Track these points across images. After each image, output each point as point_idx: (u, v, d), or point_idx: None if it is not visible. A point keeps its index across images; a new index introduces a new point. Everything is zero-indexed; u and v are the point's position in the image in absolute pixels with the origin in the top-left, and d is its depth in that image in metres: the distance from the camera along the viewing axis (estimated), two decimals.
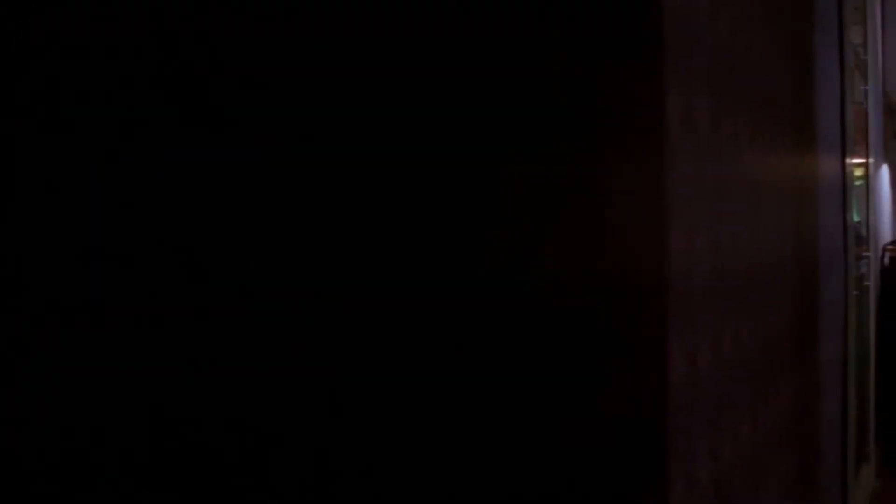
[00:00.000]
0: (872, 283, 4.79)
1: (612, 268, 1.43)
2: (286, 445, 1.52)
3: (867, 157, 4.61)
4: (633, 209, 1.43)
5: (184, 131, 1.56)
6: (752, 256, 2.02)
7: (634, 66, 1.44)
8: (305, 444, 1.52)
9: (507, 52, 1.45)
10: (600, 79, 1.43)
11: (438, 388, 1.47)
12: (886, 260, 5.44)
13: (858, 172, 4.49)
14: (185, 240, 1.56)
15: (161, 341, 1.57)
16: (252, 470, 1.54)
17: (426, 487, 1.48)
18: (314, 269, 1.52)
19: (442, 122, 1.47)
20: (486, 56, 1.45)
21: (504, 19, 1.45)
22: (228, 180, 1.55)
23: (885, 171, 5.61)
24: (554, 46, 1.43)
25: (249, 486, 1.54)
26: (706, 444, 1.67)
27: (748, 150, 1.98)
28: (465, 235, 1.46)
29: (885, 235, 5.69)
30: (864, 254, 4.57)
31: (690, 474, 1.58)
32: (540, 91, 1.44)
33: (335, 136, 1.51)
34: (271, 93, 1.54)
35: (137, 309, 1.59)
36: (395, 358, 1.48)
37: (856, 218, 4.50)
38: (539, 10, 1.43)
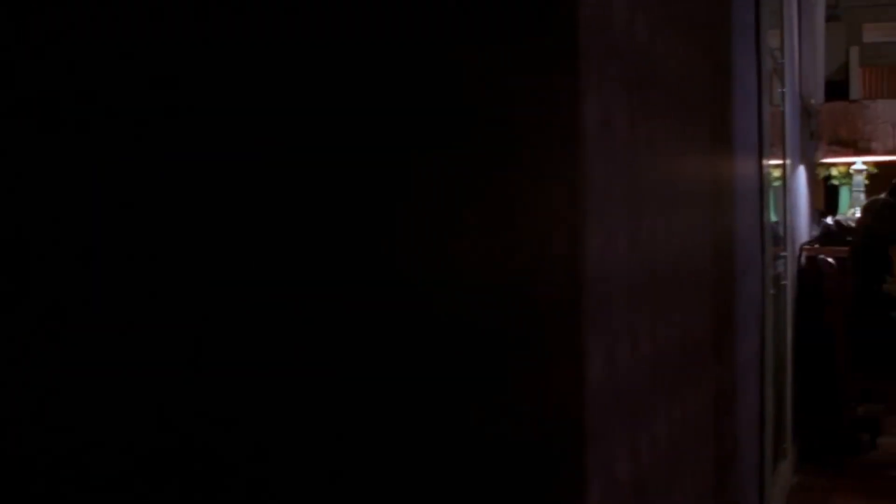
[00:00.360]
0: (789, 282, 4.88)
1: (528, 268, 1.44)
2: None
3: (784, 158, 4.69)
4: (550, 210, 1.45)
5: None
6: (670, 256, 2.06)
7: (552, 71, 1.46)
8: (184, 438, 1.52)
9: (421, 54, 1.46)
10: (517, 83, 1.45)
11: (344, 388, 1.48)
12: (803, 259, 5.55)
13: (776, 173, 4.57)
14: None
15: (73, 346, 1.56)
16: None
17: (334, 488, 1.48)
18: (238, 268, 1.52)
19: (354, 122, 1.47)
20: (401, 57, 1.46)
21: (421, 23, 1.46)
22: (115, 179, 1.55)
23: (801, 172, 5.72)
24: (470, 50, 1.45)
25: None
26: (624, 441, 1.70)
27: (665, 151, 2.02)
28: (374, 235, 1.47)
29: (803, 235, 5.80)
30: (782, 253, 4.66)
31: (608, 472, 1.60)
32: (455, 93, 1.45)
33: (238, 135, 1.51)
34: (178, 93, 1.54)
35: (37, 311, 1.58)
36: (298, 357, 1.49)
37: (773, 218, 4.58)
38: (457, 16, 1.45)
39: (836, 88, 8.01)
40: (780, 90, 4.75)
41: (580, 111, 1.47)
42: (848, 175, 6.28)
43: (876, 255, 5.06)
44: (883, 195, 5.26)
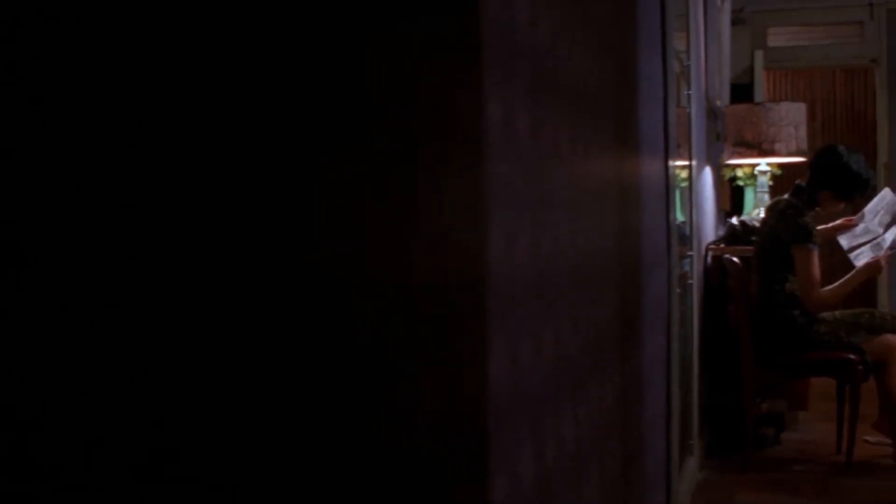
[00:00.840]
0: (696, 281, 4.96)
1: (430, 270, 1.45)
2: None
3: (690, 159, 4.77)
4: (452, 210, 1.46)
5: None
6: (575, 256, 2.08)
7: (454, 71, 1.47)
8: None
9: (320, 51, 1.45)
10: (419, 83, 1.46)
11: (235, 392, 1.47)
12: (709, 259, 5.65)
13: (682, 174, 4.65)
14: None
15: None
16: None
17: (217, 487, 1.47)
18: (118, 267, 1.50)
19: (251, 120, 1.47)
20: (298, 56, 1.46)
21: (320, 22, 1.45)
22: None
23: (707, 173, 5.82)
24: (372, 51, 1.45)
25: None
26: (528, 440, 1.72)
27: (570, 152, 2.04)
28: (271, 234, 1.46)
29: (709, 235, 5.90)
30: (688, 253, 4.73)
31: (512, 471, 1.62)
32: (356, 95, 1.45)
33: (122, 132, 1.49)
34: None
35: None
36: (188, 356, 1.48)
37: (680, 218, 4.65)
38: (356, 15, 1.45)
39: (742, 91, 8.17)
40: (686, 92, 4.82)
41: (483, 111, 1.48)
42: (753, 176, 6.39)
43: (779, 255, 5.16)
44: (786, 196, 5.36)
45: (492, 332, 1.51)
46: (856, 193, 5.30)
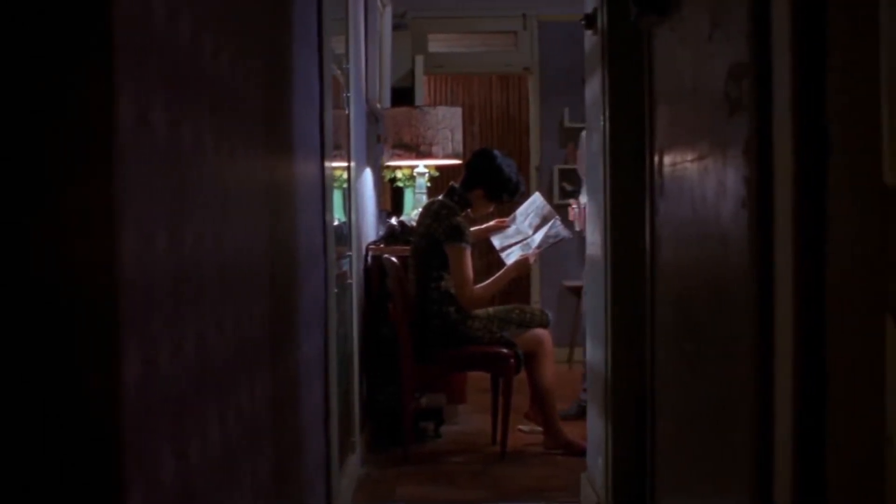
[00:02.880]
0: (355, 280, 5.04)
1: (59, 271, 1.39)
2: None
3: (349, 160, 4.84)
4: (82, 210, 1.41)
5: None
6: (222, 258, 2.05)
7: (85, 67, 1.41)
8: None
9: None
10: (48, 79, 1.39)
11: None
12: (370, 258, 5.76)
13: (343, 175, 4.70)
14: None
15: None
16: None
17: None
18: None
19: None
20: None
21: None
22: None
23: (368, 174, 5.92)
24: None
25: None
26: (170, 445, 1.68)
27: (215, 153, 2.01)
28: None
29: (370, 235, 6.01)
30: (347, 253, 4.79)
31: (151, 478, 1.58)
32: None
33: None
34: None
35: None
36: None
37: (343, 218, 4.71)
38: None
39: (404, 94, 8.38)
40: (346, 95, 4.88)
41: (115, 109, 1.44)
42: (412, 177, 6.56)
43: (434, 254, 5.33)
44: (440, 197, 5.55)
45: (126, 337, 1.46)
46: (504, 195, 5.56)
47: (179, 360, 1.73)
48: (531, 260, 5.61)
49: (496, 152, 5.58)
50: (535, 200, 5.89)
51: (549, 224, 5.70)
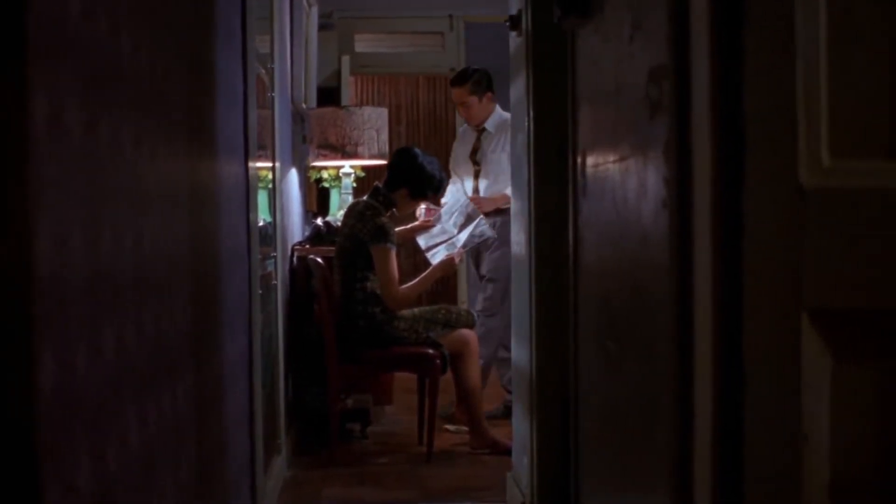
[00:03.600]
0: (280, 281, 5.00)
1: None
2: None
3: (274, 161, 4.80)
4: None
5: None
6: (141, 258, 2.03)
7: None
8: None
9: None
10: None
11: None
12: (295, 259, 5.72)
13: (267, 175, 4.67)
14: None
15: None
16: None
17: None
18: None
19: None
20: None
21: None
22: None
23: (293, 174, 5.89)
24: None
25: None
26: (87, 448, 1.65)
27: (134, 152, 1.98)
28: None
29: (295, 235, 5.97)
30: (272, 254, 4.76)
31: (68, 482, 1.55)
32: None
33: None
34: None
35: None
36: None
37: (268, 219, 4.67)
38: None
39: (331, 94, 8.35)
40: (270, 94, 4.85)
41: (28, 108, 1.41)
42: (338, 178, 6.54)
43: (359, 255, 5.32)
44: (365, 197, 5.54)
45: (41, 339, 1.44)
46: (429, 193, 5.56)
47: (97, 362, 1.70)
48: (457, 259, 5.62)
49: (417, 150, 5.57)
50: (460, 199, 5.91)
51: (475, 223, 5.71)
